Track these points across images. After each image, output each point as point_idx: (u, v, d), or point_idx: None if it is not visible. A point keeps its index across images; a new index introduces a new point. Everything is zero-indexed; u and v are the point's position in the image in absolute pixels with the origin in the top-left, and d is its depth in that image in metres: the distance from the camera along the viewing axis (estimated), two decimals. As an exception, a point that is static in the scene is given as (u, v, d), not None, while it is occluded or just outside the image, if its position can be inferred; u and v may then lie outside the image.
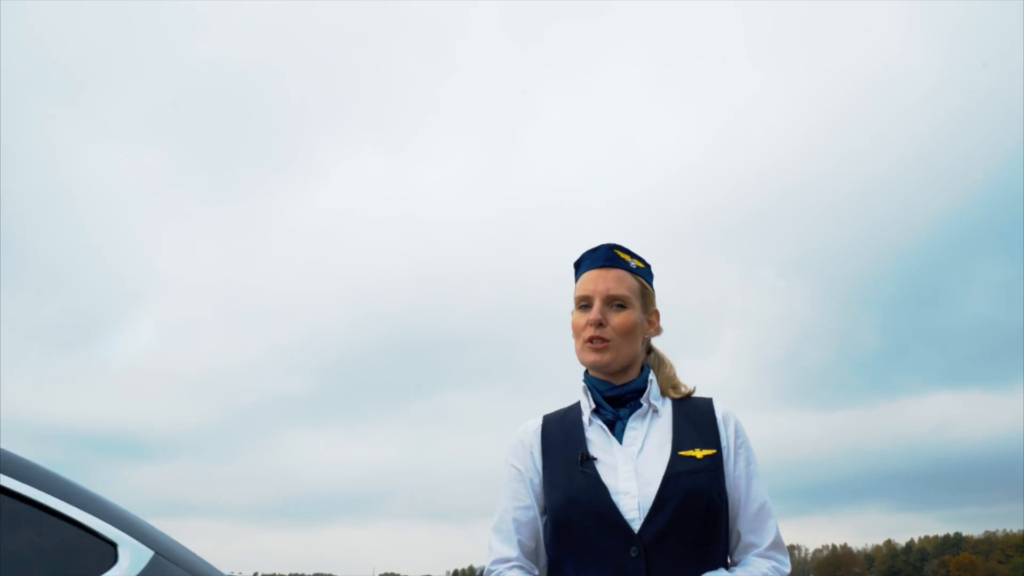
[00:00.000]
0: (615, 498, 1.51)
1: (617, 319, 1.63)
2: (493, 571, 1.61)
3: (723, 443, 1.60)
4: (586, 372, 1.71)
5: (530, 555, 1.63)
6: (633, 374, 1.67)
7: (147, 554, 1.58)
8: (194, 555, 1.72)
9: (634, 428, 1.62)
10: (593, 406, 1.66)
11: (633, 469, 1.54)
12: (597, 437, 1.62)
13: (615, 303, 1.65)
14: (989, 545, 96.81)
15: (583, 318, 1.66)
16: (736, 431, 1.62)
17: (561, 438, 1.64)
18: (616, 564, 1.47)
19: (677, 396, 1.68)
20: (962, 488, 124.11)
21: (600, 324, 1.62)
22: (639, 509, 1.50)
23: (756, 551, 1.57)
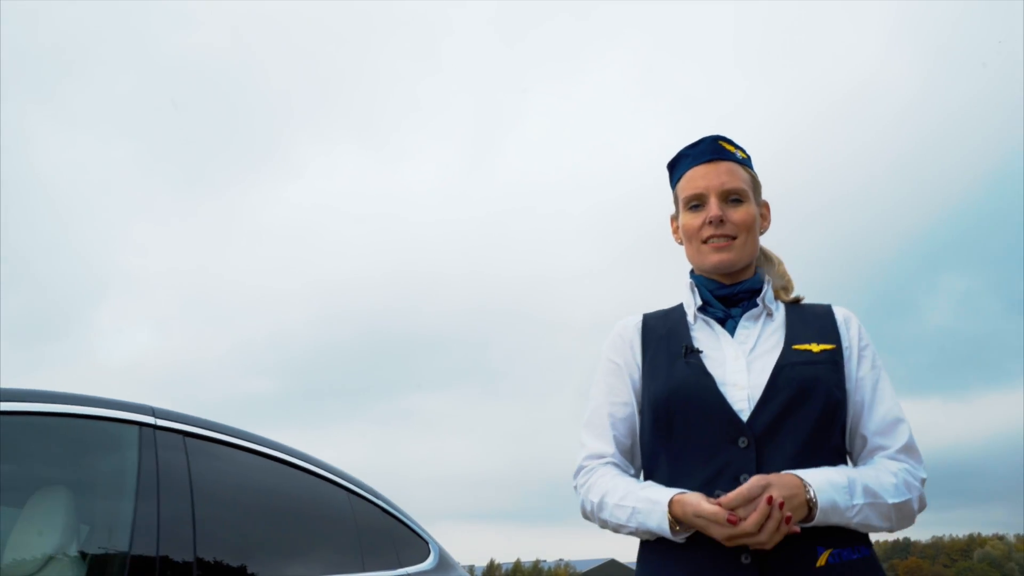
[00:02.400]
0: (722, 389, 1.40)
1: (737, 214, 1.50)
2: (585, 467, 1.49)
3: (844, 342, 1.48)
4: (691, 271, 1.60)
5: (625, 453, 1.51)
6: (748, 273, 1.55)
7: (438, 550, 2.74)
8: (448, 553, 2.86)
9: (746, 327, 1.50)
10: (700, 303, 1.54)
11: (745, 364, 1.43)
12: (704, 334, 1.50)
13: (731, 197, 1.51)
14: (936, 550, 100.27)
15: (697, 218, 1.52)
16: (859, 333, 1.50)
17: (663, 332, 1.53)
18: (723, 456, 1.36)
19: (788, 299, 1.57)
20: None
21: (721, 221, 1.49)
22: (748, 400, 1.38)
23: (884, 453, 1.42)
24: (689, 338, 1.49)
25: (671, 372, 1.45)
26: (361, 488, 2.54)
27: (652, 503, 1.35)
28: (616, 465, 1.48)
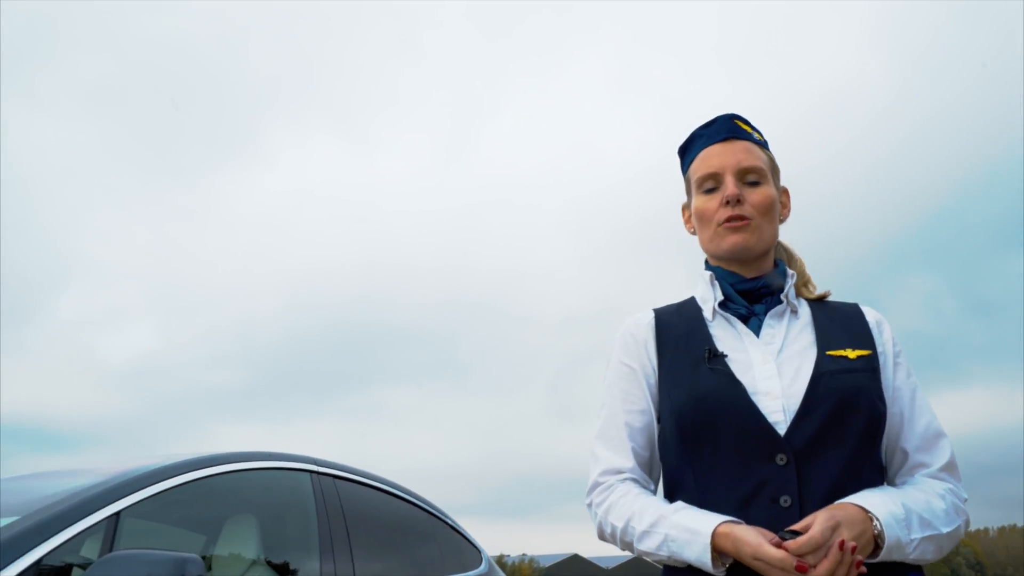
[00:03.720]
0: (754, 398, 1.25)
1: (755, 195, 1.38)
2: (601, 483, 1.35)
3: (878, 348, 1.34)
4: (706, 262, 1.47)
5: (644, 466, 1.37)
6: (767, 265, 1.43)
7: (487, 557, 3.47)
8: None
9: (772, 326, 1.36)
10: (720, 298, 1.40)
11: (775, 369, 1.29)
12: (725, 333, 1.37)
13: (749, 178, 1.39)
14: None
15: (712, 200, 1.40)
16: (892, 338, 1.37)
17: (681, 332, 1.39)
18: (758, 475, 1.21)
19: (811, 296, 1.44)
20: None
21: (739, 200, 1.37)
22: (784, 411, 1.24)
23: (926, 471, 1.30)
24: (710, 338, 1.35)
25: (695, 379, 1.30)
26: (432, 507, 3.25)
27: (691, 533, 1.19)
28: (636, 481, 1.33)
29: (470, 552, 3.37)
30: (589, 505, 1.37)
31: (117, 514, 1.77)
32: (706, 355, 1.32)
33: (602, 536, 1.35)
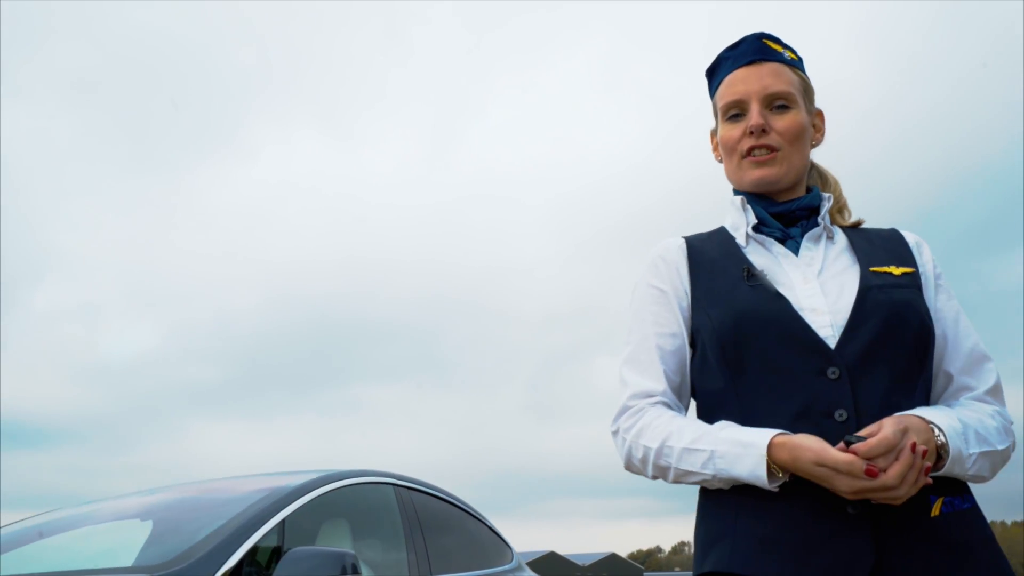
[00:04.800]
0: (800, 313, 1.19)
1: (782, 122, 1.29)
2: (631, 407, 1.26)
3: (920, 268, 1.27)
4: (734, 190, 1.39)
5: (675, 390, 1.28)
6: (800, 191, 1.34)
7: (515, 553, 4.12)
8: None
9: (809, 248, 1.29)
10: (754, 222, 1.32)
11: (817, 286, 1.22)
12: (761, 258, 1.29)
13: (776, 103, 1.30)
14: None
15: (736, 128, 1.32)
16: (932, 260, 1.30)
17: (714, 255, 1.31)
18: (809, 390, 1.15)
19: (845, 223, 1.37)
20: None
21: (763, 130, 1.29)
22: (832, 327, 1.18)
23: (971, 394, 1.24)
24: (746, 259, 1.28)
25: (735, 296, 1.24)
26: (473, 510, 3.89)
27: (742, 446, 1.12)
28: (668, 405, 1.26)
29: (504, 549, 4.02)
30: (615, 433, 1.28)
31: (283, 521, 2.40)
32: (744, 274, 1.26)
33: (630, 464, 1.26)
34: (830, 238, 1.33)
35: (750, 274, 1.26)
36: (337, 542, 2.77)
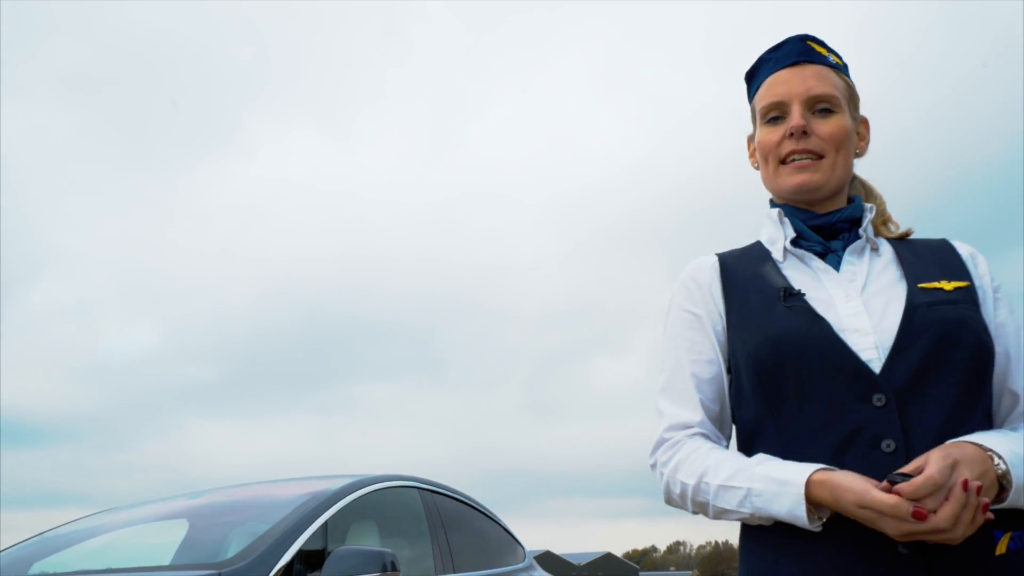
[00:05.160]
0: (842, 336, 1.10)
1: (825, 126, 1.21)
2: (667, 439, 1.18)
3: (975, 281, 1.17)
4: (771, 200, 1.31)
5: (714, 420, 1.20)
6: (841, 202, 1.25)
7: (527, 552, 4.35)
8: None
9: (852, 263, 1.20)
10: (792, 235, 1.23)
11: (860, 304, 1.13)
12: (799, 274, 1.20)
13: (819, 106, 1.21)
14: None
15: (775, 132, 1.23)
16: (989, 272, 1.20)
17: (749, 273, 1.23)
18: (853, 418, 1.06)
19: (891, 235, 1.26)
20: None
21: (804, 133, 1.20)
22: (876, 348, 1.09)
23: None
24: (783, 277, 1.20)
25: (771, 319, 1.16)
26: (489, 512, 4.12)
27: (779, 484, 1.05)
28: (706, 436, 1.19)
29: (516, 547, 4.25)
30: (653, 466, 1.21)
31: (326, 523, 2.63)
32: (781, 294, 1.17)
33: (669, 499, 1.19)
34: (874, 250, 1.24)
35: (787, 294, 1.17)
36: (368, 542, 3.00)
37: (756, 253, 1.28)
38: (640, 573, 75.70)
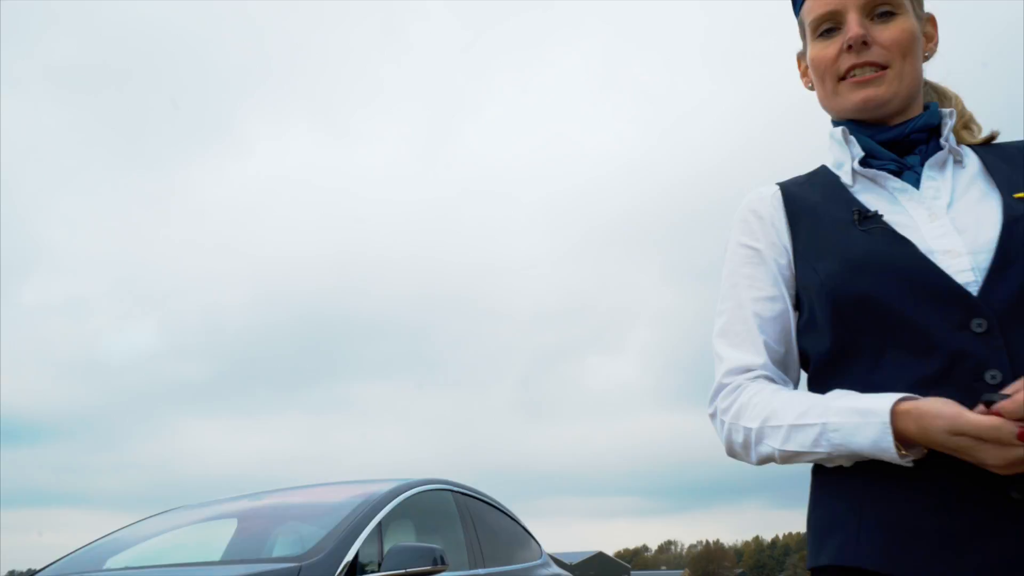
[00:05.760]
0: (930, 257, 0.98)
1: (888, 32, 1.07)
2: (727, 384, 1.07)
3: None
4: (832, 120, 1.16)
5: (779, 362, 1.08)
6: (914, 112, 1.10)
7: (543, 549, 4.69)
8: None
9: (933, 179, 1.06)
10: (861, 154, 1.09)
11: (948, 223, 1.01)
12: (873, 196, 1.07)
13: (879, 10, 1.08)
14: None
15: (830, 46, 1.09)
16: None
17: (816, 200, 1.10)
18: (949, 347, 0.93)
19: (975, 140, 1.12)
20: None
21: (864, 43, 1.06)
22: (973, 269, 0.96)
23: None
24: (855, 200, 1.07)
25: (847, 244, 1.03)
26: (509, 512, 4.45)
27: (860, 415, 0.92)
28: (770, 379, 1.07)
29: (534, 545, 4.58)
30: (713, 415, 1.10)
31: (380, 522, 2.95)
32: (855, 217, 1.05)
33: (731, 449, 1.07)
34: (958, 162, 1.09)
35: (863, 217, 1.04)
36: (413, 539, 3.32)
37: (822, 179, 1.14)
38: (631, 572, 76.15)
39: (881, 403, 0.92)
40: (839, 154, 1.13)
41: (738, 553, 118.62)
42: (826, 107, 1.16)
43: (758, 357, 1.08)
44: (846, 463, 0.98)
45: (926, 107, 1.13)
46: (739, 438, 1.05)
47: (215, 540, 3.24)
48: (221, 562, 2.80)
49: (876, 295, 0.99)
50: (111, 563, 3.15)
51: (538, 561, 4.44)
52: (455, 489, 3.77)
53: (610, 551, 78.88)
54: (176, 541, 3.32)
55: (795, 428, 0.98)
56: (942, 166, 1.08)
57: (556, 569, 4.69)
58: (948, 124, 1.10)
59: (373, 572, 2.73)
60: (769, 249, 1.11)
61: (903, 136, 1.10)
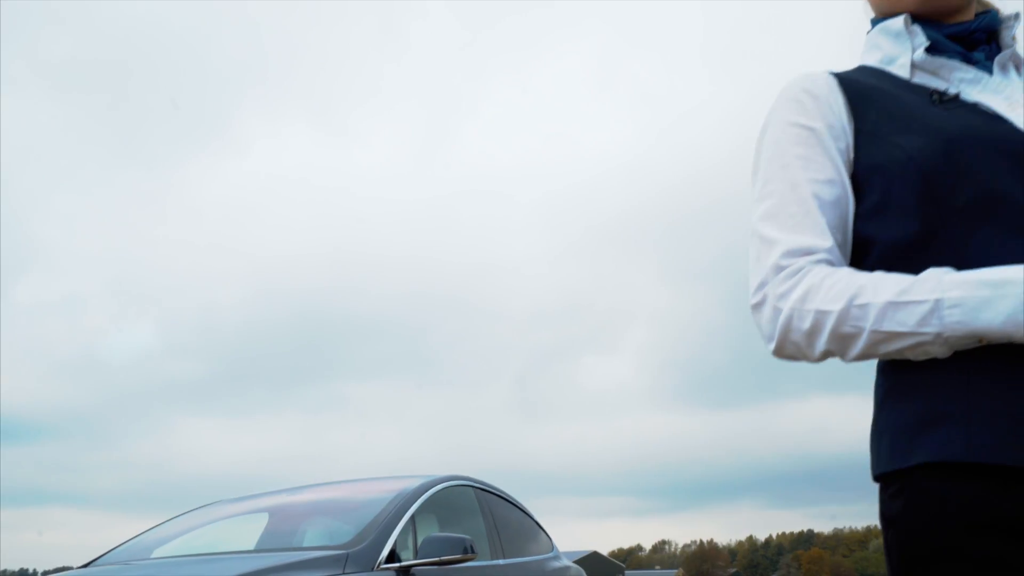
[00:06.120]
0: None
1: None
2: (786, 267, 0.94)
3: None
4: (872, 19, 1.12)
5: (840, 249, 0.97)
6: (970, 13, 1.05)
7: (555, 544, 4.93)
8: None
9: (1001, 76, 1.01)
10: (925, 43, 1.02)
11: None
12: (940, 87, 1.00)
13: None
14: (836, 541, 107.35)
15: None
16: None
17: (876, 84, 1.02)
18: None
19: None
20: (826, 487, 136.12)
21: None
22: None
23: None
24: (925, 87, 1.00)
25: (936, 122, 0.95)
26: (523, 507, 4.69)
27: (991, 287, 0.82)
28: (830, 262, 0.94)
29: (546, 539, 4.82)
30: (761, 303, 0.95)
31: (414, 515, 3.19)
32: (934, 98, 0.98)
33: (786, 339, 0.93)
34: (1017, 68, 1.03)
35: (942, 98, 0.98)
36: (441, 531, 3.56)
37: (871, 72, 1.06)
38: (626, 572, 76.50)
39: (1017, 274, 0.81)
40: (892, 48, 1.06)
41: (732, 553, 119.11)
42: (878, 5, 1.09)
43: (823, 240, 0.95)
44: (942, 352, 0.86)
45: (986, 9, 1.08)
46: (806, 324, 0.91)
47: (251, 532, 3.48)
48: (268, 550, 3.02)
49: (977, 168, 0.91)
50: (158, 552, 3.38)
51: (550, 554, 4.67)
52: (475, 485, 4.00)
53: (604, 551, 79.21)
54: (217, 533, 3.54)
55: (896, 306, 0.85)
56: (1005, 68, 1.02)
57: (566, 561, 4.93)
58: (1016, 26, 1.05)
59: (408, 560, 2.97)
60: (826, 129, 1.00)
61: (967, 32, 1.03)
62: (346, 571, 2.65)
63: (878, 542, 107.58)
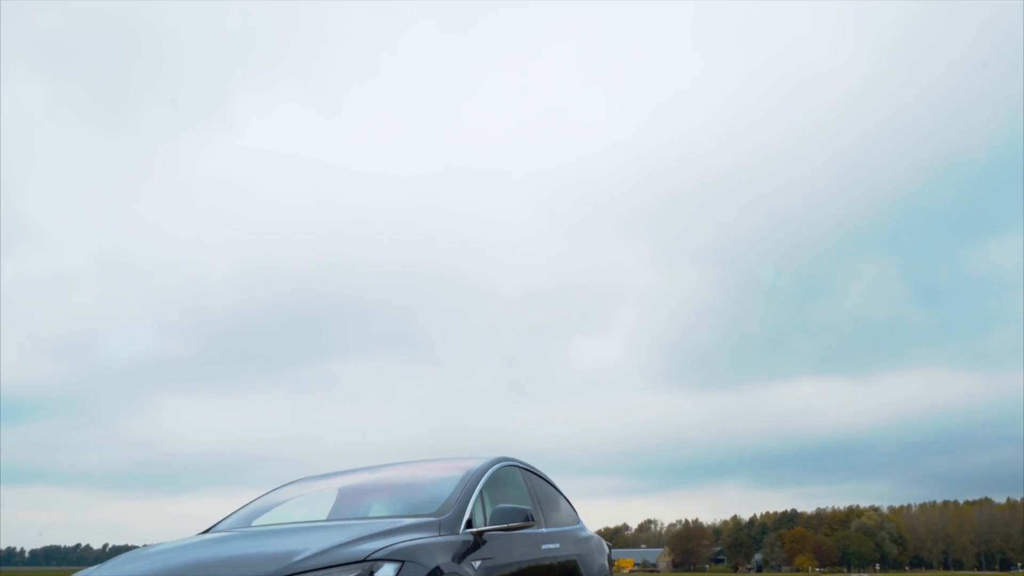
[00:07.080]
0: None
1: None
2: None
3: None
4: None
5: None
6: None
7: (579, 516, 5.61)
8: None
9: None
10: None
11: None
12: None
13: None
14: (819, 520, 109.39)
15: None
16: None
17: None
18: None
19: None
20: (810, 468, 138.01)
21: None
22: None
23: None
24: None
25: None
26: (553, 483, 5.35)
27: None
28: None
29: (574, 512, 5.50)
30: None
31: (482, 490, 3.85)
32: None
33: None
34: None
35: None
36: (501, 503, 4.23)
37: None
38: (612, 551, 77.89)
39: None
40: None
41: (716, 532, 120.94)
42: None
43: None
44: None
45: None
46: None
47: (329, 505, 4.13)
48: (368, 518, 3.67)
49: None
50: (258, 522, 4.01)
51: (577, 525, 5.36)
52: (520, 465, 4.67)
53: (591, 530, 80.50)
54: (305, 505, 4.19)
55: None
56: None
57: (590, 532, 5.61)
58: None
59: (481, 526, 3.63)
60: None
61: None
62: (440, 533, 3.31)
63: (860, 521, 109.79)
